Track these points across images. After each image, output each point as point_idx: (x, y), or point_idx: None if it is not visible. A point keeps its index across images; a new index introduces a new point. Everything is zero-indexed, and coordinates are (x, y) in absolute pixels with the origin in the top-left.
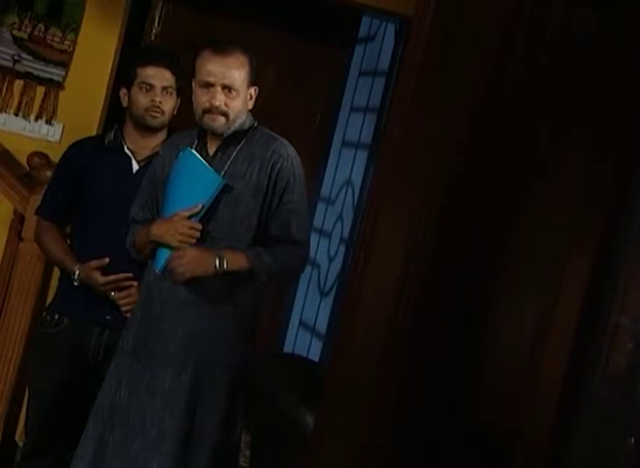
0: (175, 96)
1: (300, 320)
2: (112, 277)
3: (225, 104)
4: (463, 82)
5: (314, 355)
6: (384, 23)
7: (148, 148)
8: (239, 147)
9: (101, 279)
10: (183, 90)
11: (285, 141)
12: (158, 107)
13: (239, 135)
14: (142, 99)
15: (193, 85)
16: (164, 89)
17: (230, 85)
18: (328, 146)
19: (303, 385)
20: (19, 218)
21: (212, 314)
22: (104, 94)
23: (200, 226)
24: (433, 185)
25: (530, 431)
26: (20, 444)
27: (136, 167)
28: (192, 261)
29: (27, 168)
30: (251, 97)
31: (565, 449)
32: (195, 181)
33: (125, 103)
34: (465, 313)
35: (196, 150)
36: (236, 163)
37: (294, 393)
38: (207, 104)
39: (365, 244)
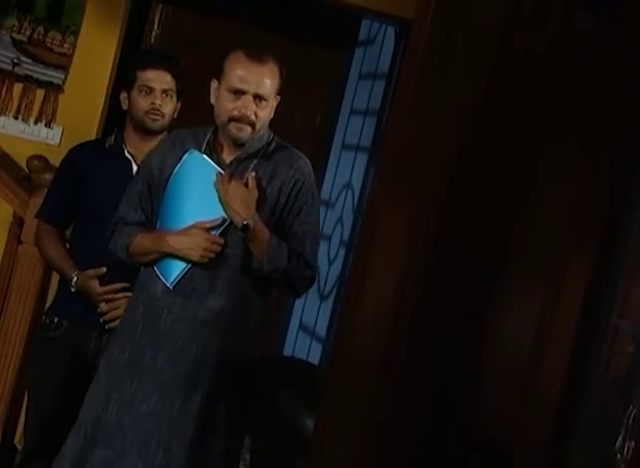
0: (175, 99)
1: (300, 323)
2: (109, 287)
3: (255, 114)
4: (464, 83)
5: (314, 358)
6: (384, 26)
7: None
8: (257, 160)
9: (99, 289)
10: (184, 92)
11: (305, 158)
12: (158, 110)
13: (257, 145)
14: (142, 102)
15: (216, 87)
16: (164, 92)
17: (263, 95)
18: (328, 149)
19: (303, 389)
20: (18, 222)
21: (229, 332)
22: (104, 97)
23: (222, 241)
24: (433, 187)
25: (530, 434)
26: (20, 447)
27: (136, 170)
28: (236, 196)
29: (27, 171)
30: (273, 107)
31: (565, 452)
32: (212, 190)
33: (125, 107)
34: (466, 315)
35: (208, 155)
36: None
37: (293, 396)
38: (235, 112)
39: (365, 247)
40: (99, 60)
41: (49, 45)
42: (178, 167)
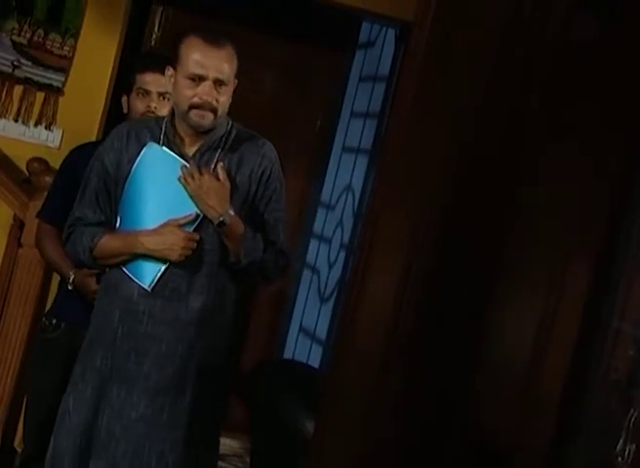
0: (171, 103)
1: (301, 326)
2: None
3: (217, 100)
4: (464, 85)
5: (314, 361)
6: (384, 29)
7: None
8: (222, 150)
9: (95, 286)
10: None
11: (269, 143)
12: (153, 113)
13: (219, 133)
14: (139, 105)
15: (171, 74)
16: (160, 94)
17: (223, 80)
18: (328, 152)
19: (303, 391)
20: (18, 224)
21: (211, 328)
22: (104, 99)
23: (197, 236)
24: (434, 190)
25: (530, 436)
26: (19, 450)
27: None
28: (209, 190)
29: (27, 173)
30: (233, 92)
31: (565, 454)
32: (180, 184)
33: (126, 110)
34: (466, 317)
35: (167, 148)
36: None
37: (294, 399)
38: (196, 99)
39: (365, 249)
40: (99, 63)
41: (49, 47)
42: (136, 162)
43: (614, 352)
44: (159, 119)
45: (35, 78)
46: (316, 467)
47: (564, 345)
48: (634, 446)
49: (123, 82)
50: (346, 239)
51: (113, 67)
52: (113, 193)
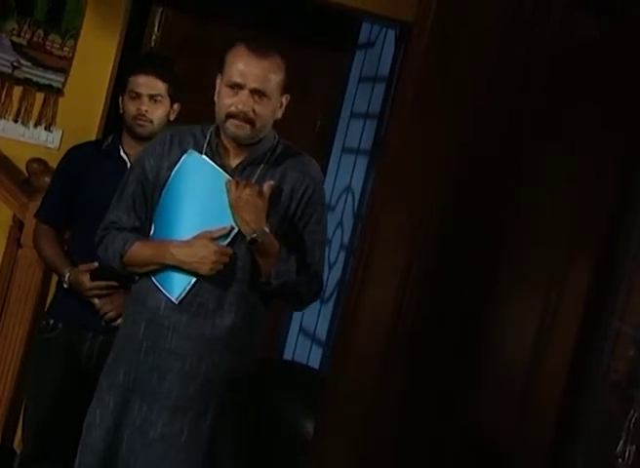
0: (167, 103)
1: (300, 326)
2: (96, 283)
3: (253, 111)
4: (464, 85)
5: (314, 362)
6: (384, 29)
7: None
8: (265, 165)
9: (89, 283)
10: (182, 95)
11: (314, 162)
12: (144, 116)
13: (264, 147)
14: (131, 107)
15: (218, 83)
16: (151, 97)
17: (262, 90)
18: (328, 152)
19: (303, 392)
20: (17, 225)
21: (237, 349)
22: (104, 100)
23: (231, 251)
24: (434, 190)
25: (530, 437)
26: (19, 451)
27: (128, 171)
28: (248, 205)
29: (26, 174)
30: (281, 106)
31: (565, 455)
32: (218, 196)
33: (122, 110)
34: (466, 318)
35: (210, 158)
36: (263, 182)
37: (294, 400)
38: (232, 108)
39: (365, 250)
40: (98, 64)
41: (49, 48)
42: (176, 169)
43: (614, 352)
44: (205, 127)
45: (35, 79)
46: (317, 467)
47: (564, 345)
48: (634, 447)
49: (122, 83)
50: (346, 240)
51: (113, 68)
52: (150, 199)
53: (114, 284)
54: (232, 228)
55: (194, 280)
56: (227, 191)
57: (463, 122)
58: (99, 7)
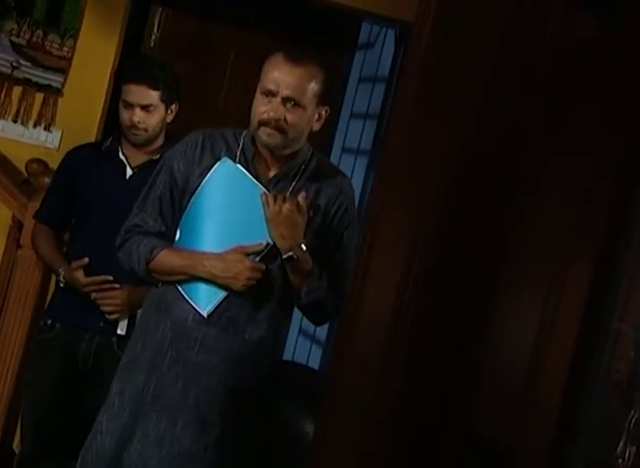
0: (161, 110)
1: (300, 327)
2: (92, 279)
3: (285, 119)
4: (464, 85)
5: (314, 362)
6: (384, 29)
7: (144, 155)
8: (300, 178)
9: (84, 279)
10: (179, 97)
11: (347, 177)
12: (136, 127)
13: (300, 161)
14: (125, 116)
15: (258, 90)
16: (143, 107)
17: (295, 98)
18: (328, 153)
19: (303, 393)
20: (17, 225)
21: (262, 364)
22: (103, 100)
23: (264, 267)
24: (434, 191)
25: (530, 438)
26: (18, 452)
27: (129, 172)
28: (287, 221)
29: (26, 174)
30: (319, 118)
31: (565, 456)
32: (252, 209)
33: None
34: (466, 319)
35: (244, 167)
36: (297, 195)
37: (293, 401)
38: (264, 115)
39: (365, 250)
40: (98, 64)
41: (48, 48)
42: (207, 176)
43: (614, 353)
44: (237, 132)
45: (34, 79)
46: None
47: (564, 346)
48: (634, 448)
49: (121, 84)
50: None
51: (112, 68)
52: (178, 204)
53: (109, 278)
54: (268, 244)
55: (225, 294)
56: (263, 204)
57: (463, 122)
58: (98, 7)
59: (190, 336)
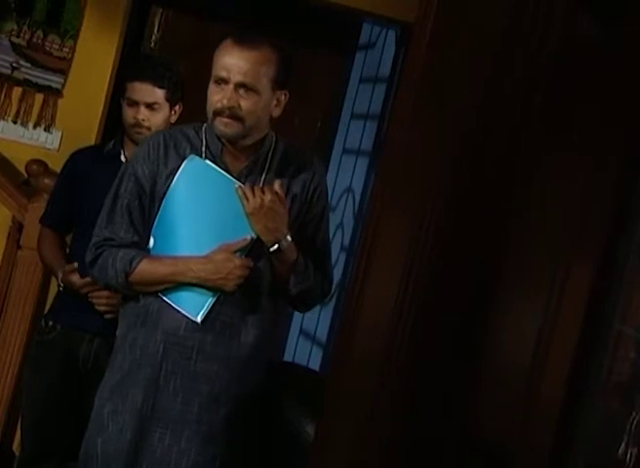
0: (166, 109)
1: (301, 328)
2: (86, 279)
3: (239, 106)
4: (464, 85)
5: (314, 364)
6: (385, 30)
7: None
8: (269, 166)
9: (79, 281)
10: (182, 97)
11: (317, 157)
12: (142, 125)
13: (266, 149)
14: (129, 115)
15: (211, 79)
16: (148, 105)
17: (248, 83)
18: (328, 154)
19: (304, 394)
20: (17, 226)
21: (260, 365)
22: (103, 101)
23: (252, 263)
24: (434, 192)
25: (531, 440)
26: (17, 453)
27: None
28: (271, 213)
29: (26, 175)
30: (278, 104)
31: (566, 458)
32: (229, 204)
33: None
34: (467, 320)
35: (212, 162)
36: (270, 184)
37: (294, 402)
38: (218, 104)
39: (366, 252)
40: (98, 65)
41: (48, 49)
42: (176, 177)
43: (615, 355)
44: (197, 126)
45: (34, 80)
46: None
47: (565, 347)
48: (636, 449)
49: (122, 84)
50: (347, 241)
51: (112, 69)
52: (148, 211)
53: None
54: (252, 239)
55: (215, 297)
56: (241, 198)
57: (464, 123)
58: (98, 8)
59: (186, 346)
